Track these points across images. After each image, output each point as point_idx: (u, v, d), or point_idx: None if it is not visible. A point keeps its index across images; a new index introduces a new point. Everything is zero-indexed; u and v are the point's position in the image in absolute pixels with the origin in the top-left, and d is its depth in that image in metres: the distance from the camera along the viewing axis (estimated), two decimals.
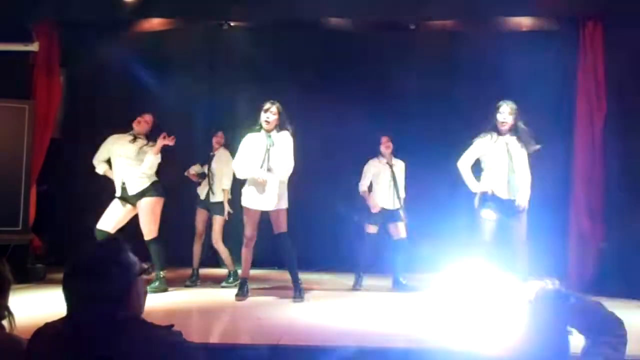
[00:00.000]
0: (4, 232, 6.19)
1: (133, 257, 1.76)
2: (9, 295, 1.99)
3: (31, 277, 6.26)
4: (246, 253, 5.53)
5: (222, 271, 7.71)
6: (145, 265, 1.78)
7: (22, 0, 6.49)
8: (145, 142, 5.87)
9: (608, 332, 1.60)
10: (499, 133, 5.42)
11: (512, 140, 5.40)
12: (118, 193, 5.79)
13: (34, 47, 6.45)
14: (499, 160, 5.37)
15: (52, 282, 6.26)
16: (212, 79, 8.15)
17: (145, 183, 5.81)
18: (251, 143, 5.53)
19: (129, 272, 1.72)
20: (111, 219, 5.76)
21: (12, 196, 6.28)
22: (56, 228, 7.25)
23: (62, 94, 7.16)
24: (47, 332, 1.72)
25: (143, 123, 5.91)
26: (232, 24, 7.34)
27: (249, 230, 5.49)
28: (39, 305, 4.84)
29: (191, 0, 6.86)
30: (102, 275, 1.66)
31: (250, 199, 5.45)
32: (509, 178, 5.32)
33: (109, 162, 5.94)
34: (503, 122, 5.37)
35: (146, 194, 5.79)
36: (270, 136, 5.48)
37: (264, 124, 5.48)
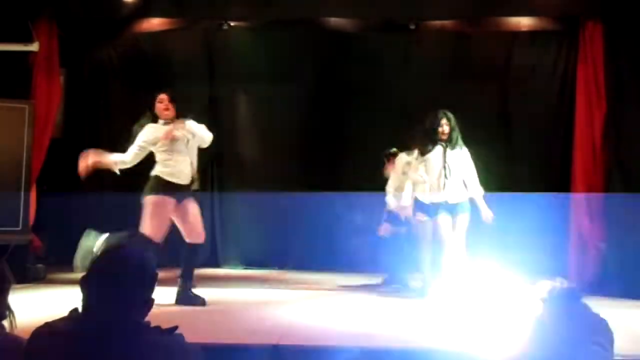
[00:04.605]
0: (4, 232, 6.18)
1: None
2: (9, 295, 1.99)
3: (31, 277, 6.25)
4: None
5: (222, 271, 7.71)
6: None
7: (22, 0, 6.49)
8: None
9: (598, 332, 1.61)
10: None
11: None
12: None
13: (34, 47, 6.43)
14: None
15: (52, 282, 6.26)
16: (212, 79, 8.14)
17: None
18: None
19: (154, 280, 1.75)
20: None
21: (12, 196, 6.27)
22: (56, 228, 7.24)
23: (62, 94, 7.16)
24: (46, 331, 1.72)
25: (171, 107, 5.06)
26: (232, 24, 7.33)
27: None
28: (39, 305, 4.83)
29: (191, 0, 6.86)
30: (134, 280, 1.68)
31: None
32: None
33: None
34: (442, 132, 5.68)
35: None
36: None
37: None
